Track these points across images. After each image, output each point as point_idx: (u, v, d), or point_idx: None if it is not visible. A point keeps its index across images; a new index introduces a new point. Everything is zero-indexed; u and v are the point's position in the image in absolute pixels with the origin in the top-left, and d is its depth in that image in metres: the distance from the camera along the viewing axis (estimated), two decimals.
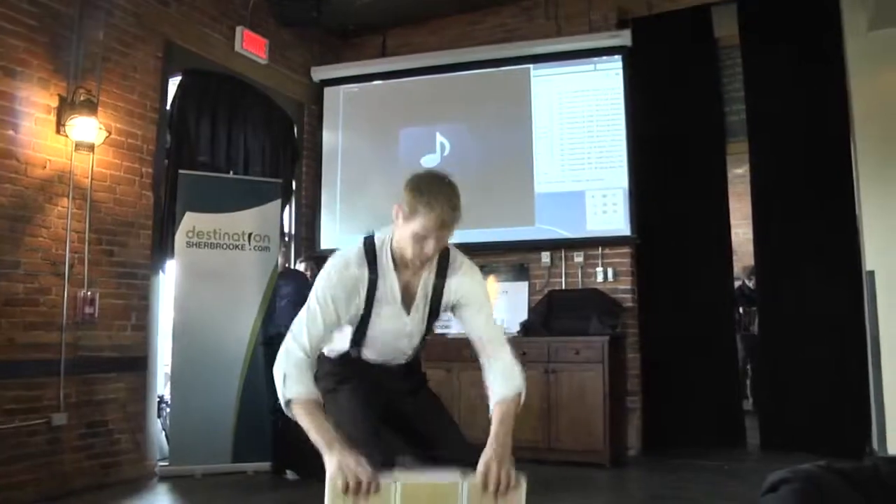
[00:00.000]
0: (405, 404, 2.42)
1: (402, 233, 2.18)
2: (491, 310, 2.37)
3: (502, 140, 6.39)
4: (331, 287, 2.20)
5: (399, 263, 2.26)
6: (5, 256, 4.31)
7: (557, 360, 5.51)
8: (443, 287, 2.31)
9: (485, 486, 1.94)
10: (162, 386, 5.54)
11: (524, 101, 6.39)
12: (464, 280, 2.32)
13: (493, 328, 2.34)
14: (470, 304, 2.32)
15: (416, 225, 2.12)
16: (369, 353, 2.38)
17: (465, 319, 2.34)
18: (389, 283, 2.26)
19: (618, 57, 6.11)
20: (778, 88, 5.68)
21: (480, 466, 1.96)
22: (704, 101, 6.06)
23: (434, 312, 2.35)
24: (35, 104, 4.51)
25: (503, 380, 2.20)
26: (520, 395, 2.20)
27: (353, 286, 2.22)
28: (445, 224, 2.12)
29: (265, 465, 5.20)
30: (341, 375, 2.36)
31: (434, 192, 2.12)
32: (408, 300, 2.31)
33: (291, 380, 2.10)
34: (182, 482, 4.97)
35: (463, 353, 5.51)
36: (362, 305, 2.25)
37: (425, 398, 2.48)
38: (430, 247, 2.15)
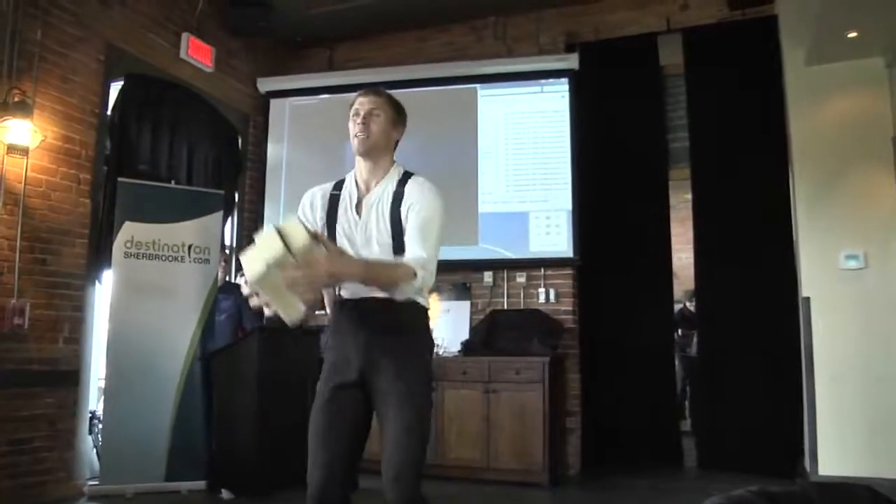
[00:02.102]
0: (380, 379, 2.31)
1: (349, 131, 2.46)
2: (428, 223, 2.34)
3: (447, 158, 6.38)
4: (298, 209, 2.51)
5: (357, 178, 2.49)
6: None
7: (498, 379, 5.52)
8: (401, 197, 2.40)
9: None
10: (95, 401, 5.34)
11: (470, 121, 6.42)
12: (416, 187, 2.42)
13: (419, 230, 2.33)
14: (412, 208, 2.36)
15: (351, 108, 2.46)
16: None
17: (406, 225, 2.38)
18: (348, 192, 2.47)
19: (565, 80, 6.19)
20: (720, 117, 5.86)
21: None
22: (649, 127, 6.18)
23: (396, 221, 2.37)
24: None
25: (405, 261, 2.28)
26: (413, 276, 2.22)
27: (311, 198, 2.50)
28: (368, 93, 2.45)
29: (200, 484, 5.05)
30: (327, 348, 2.44)
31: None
32: (360, 206, 2.44)
33: None
34: (112, 502, 4.78)
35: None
36: (325, 212, 2.46)
37: (402, 381, 2.31)
38: (359, 119, 2.40)
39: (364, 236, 2.39)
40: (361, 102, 2.43)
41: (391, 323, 2.34)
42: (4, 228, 4.50)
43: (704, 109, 5.93)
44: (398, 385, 2.30)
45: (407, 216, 2.36)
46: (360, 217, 2.42)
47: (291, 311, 2.13)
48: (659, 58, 6.13)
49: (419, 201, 2.36)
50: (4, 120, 4.44)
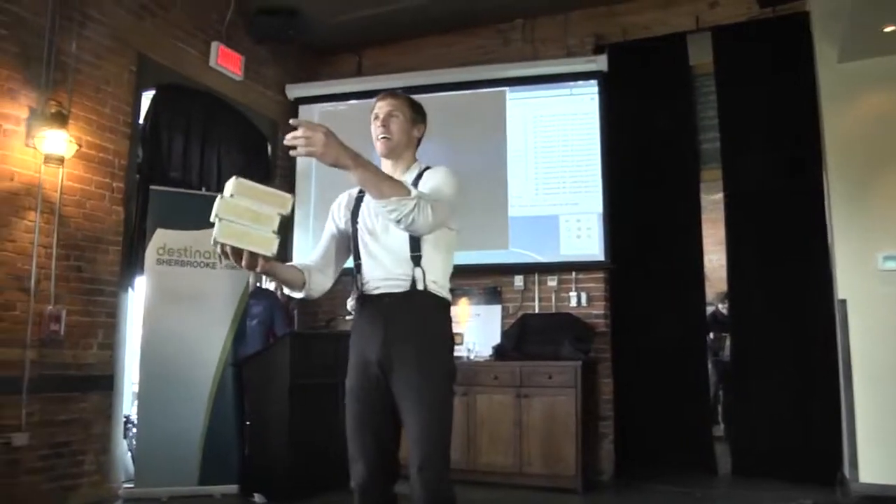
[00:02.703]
0: (399, 374, 2.37)
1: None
2: (438, 185, 2.41)
3: (476, 162, 6.38)
4: (331, 213, 2.67)
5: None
6: None
7: (530, 384, 5.48)
8: (417, 184, 2.45)
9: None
10: (129, 406, 5.41)
11: (499, 124, 6.40)
12: (431, 171, 2.50)
13: (431, 188, 2.40)
14: (426, 184, 2.43)
15: (372, 112, 2.57)
16: (368, 273, 2.47)
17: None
18: None
19: (593, 82, 6.16)
20: (751, 116, 5.76)
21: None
22: (679, 128, 6.11)
23: None
24: (4, 115, 4.40)
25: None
26: (406, 191, 2.26)
27: (341, 199, 2.65)
28: (386, 97, 2.56)
29: (233, 488, 5.09)
30: (351, 344, 2.51)
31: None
32: None
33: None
34: None
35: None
36: (351, 210, 2.57)
37: (421, 376, 2.35)
38: (379, 122, 2.52)
39: (383, 224, 2.46)
40: (380, 106, 2.55)
41: (410, 317, 2.40)
42: (42, 236, 4.58)
43: (735, 109, 5.84)
44: (417, 380, 2.35)
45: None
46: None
47: (264, 243, 2.19)
48: (688, 57, 6.05)
49: (432, 178, 2.45)
50: (41, 130, 4.52)
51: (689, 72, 6.14)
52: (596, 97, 6.14)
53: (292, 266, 2.50)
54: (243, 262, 2.20)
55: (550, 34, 6.46)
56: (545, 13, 6.43)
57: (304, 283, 2.49)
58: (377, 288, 2.45)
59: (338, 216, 2.63)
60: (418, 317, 2.40)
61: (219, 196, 2.17)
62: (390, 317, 2.40)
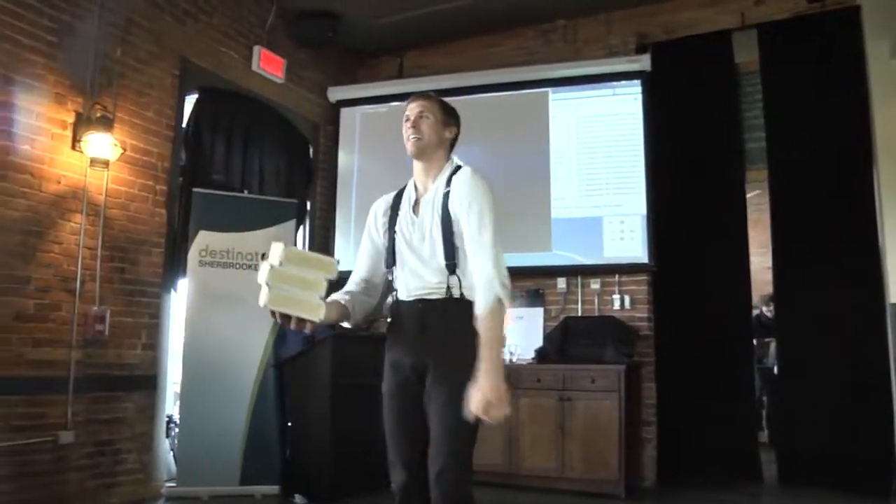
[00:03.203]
0: (428, 378, 2.39)
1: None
2: (480, 212, 2.38)
3: (519, 164, 6.34)
4: (367, 225, 2.68)
5: (415, 179, 2.60)
6: (17, 271, 4.28)
7: (572, 387, 5.42)
8: (448, 193, 2.47)
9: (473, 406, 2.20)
10: (171, 405, 5.47)
11: (542, 125, 6.35)
12: (459, 181, 2.46)
13: (478, 234, 2.37)
14: (460, 207, 2.41)
15: (404, 115, 2.57)
16: (403, 280, 2.49)
17: (462, 229, 2.42)
18: (408, 194, 2.59)
19: (637, 81, 6.07)
20: (798, 115, 5.61)
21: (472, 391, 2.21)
22: (724, 127, 5.98)
23: (446, 219, 2.43)
24: (51, 119, 4.49)
25: (478, 297, 2.32)
26: (498, 303, 2.28)
27: (376, 210, 2.65)
28: (416, 99, 2.57)
29: (274, 489, 5.12)
30: (386, 347, 2.55)
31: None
32: (418, 205, 2.54)
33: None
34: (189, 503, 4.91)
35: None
36: (387, 219, 2.59)
37: (449, 381, 2.34)
38: (410, 123, 2.53)
39: (420, 233, 2.49)
40: (411, 108, 2.57)
41: (444, 323, 2.41)
42: (87, 239, 4.66)
43: (782, 107, 5.69)
44: (444, 386, 2.35)
45: (456, 213, 2.42)
46: (417, 216, 2.51)
47: (313, 310, 2.24)
48: (733, 55, 5.91)
49: (464, 198, 2.42)
50: (87, 134, 4.60)
51: (734, 70, 6.00)
52: (639, 97, 6.05)
53: (335, 303, 2.50)
54: (291, 325, 2.27)
55: (593, 34, 6.39)
56: (587, 13, 6.36)
57: (350, 316, 2.53)
58: (412, 294, 2.47)
59: (375, 228, 2.64)
60: (452, 323, 2.39)
61: (268, 263, 2.22)
62: (425, 323, 2.42)
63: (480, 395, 2.19)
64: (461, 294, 2.41)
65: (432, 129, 2.53)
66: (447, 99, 2.65)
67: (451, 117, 2.61)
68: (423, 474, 2.38)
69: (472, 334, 2.39)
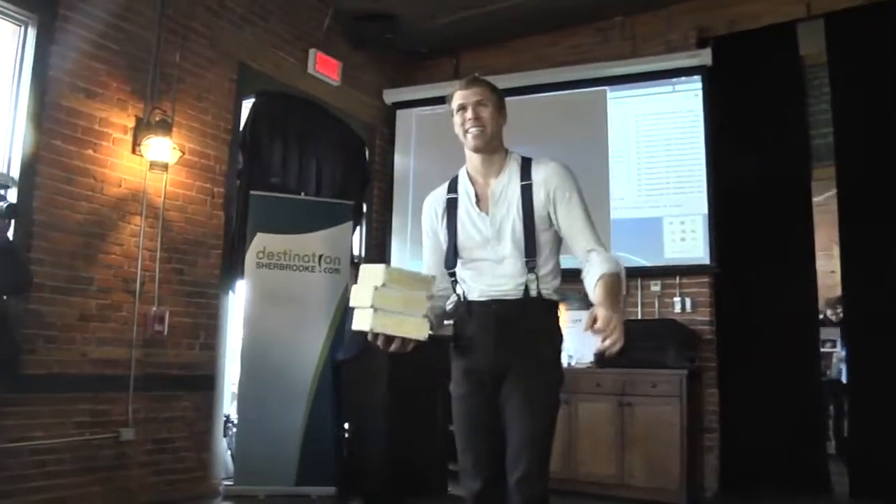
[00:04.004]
0: (507, 382, 2.30)
1: (455, 126, 2.42)
2: (581, 208, 2.32)
3: (577, 164, 5.99)
4: (422, 220, 2.55)
5: (472, 173, 2.45)
6: (80, 273, 4.41)
7: (633, 392, 5.31)
8: (530, 186, 2.34)
9: (590, 326, 2.04)
10: (229, 405, 5.55)
11: (600, 124, 6.24)
12: (545, 172, 2.35)
13: (583, 223, 2.31)
14: (558, 199, 2.31)
15: (454, 103, 2.39)
16: (473, 280, 2.38)
17: (559, 220, 2.33)
18: (464, 190, 2.43)
19: (697, 77, 5.91)
20: (868, 109, 5.37)
21: (593, 312, 2.07)
22: (789, 124, 5.77)
23: (528, 213, 2.32)
24: (113, 125, 4.62)
25: (602, 262, 2.25)
26: (623, 271, 2.25)
27: (432, 208, 2.50)
28: (470, 85, 2.37)
29: (330, 490, 5.12)
30: (457, 350, 2.42)
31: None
32: (484, 201, 2.39)
33: None
34: (245, 502, 4.96)
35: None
36: (446, 217, 2.45)
37: (528, 386, 2.28)
38: (469, 113, 2.33)
39: (494, 231, 2.36)
40: (465, 95, 2.36)
41: (523, 325, 2.29)
42: (146, 240, 4.77)
43: (850, 101, 5.45)
44: (525, 389, 2.26)
45: (546, 206, 2.32)
46: (485, 213, 2.37)
47: (417, 328, 2.18)
48: (798, 47, 5.71)
49: (564, 189, 2.33)
50: (147, 138, 4.71)
51: (800, 63, 5.80)
52: (700, 93, 5.88)
53: (435, 311, 2.41)
54: (393, 347, 2.18)
55: (651, 30, 6.24)
56: (645, 9, 6.22)
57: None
58: (486, 295, 2.35)
59: (434, 225, 2.50)
60: (533, 323, 2.30)
61: (368, 286, 2.16)
62: (503, 325, 2.30)
63: (607, 313, 2.04)
64: (538, 292, 2.30)
65: (492, 118, 2.36)
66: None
67: (503, 101, 2.43)
68: (499, 482, 2.29)
69: (552, 334, 2.36)
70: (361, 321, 2.16)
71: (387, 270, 2.15)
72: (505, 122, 2.44)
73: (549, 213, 2.33)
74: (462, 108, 2.37)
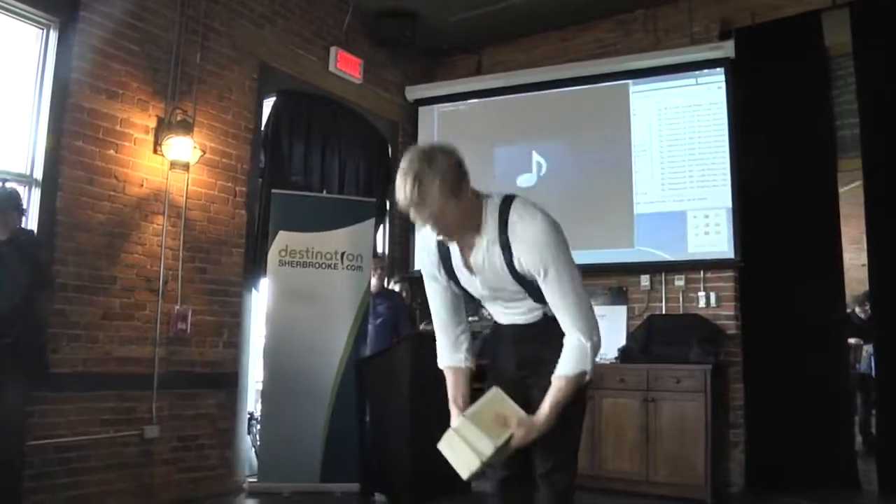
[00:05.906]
0: (530, 387, 2.34)
1: None
2: (558, 281, 2.18)
3: (600, 158, 6.21)
4: (420, 263, 2.47)
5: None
6: (103, 272, 4.46)
7: (657, 388, 5.27)
8: (510, 249, 2.21)
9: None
10: (252, 403, 5.59)
11: (623, 118, 6.19)
12: (522, 250, 2.21)
13: (561, 301, 2.21)
14: (536, 277, 2.22)
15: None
16: (492, 310, 2.48)
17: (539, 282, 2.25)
18: (453, 249, 2.32)
19: (720, 70, 5.84)
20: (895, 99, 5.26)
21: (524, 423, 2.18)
22: (814, 115, 5.66)
23: (517, 274, 2.25)
24: (134, 125, 4.67)
25: (568, 359, 2.21)
26: (582, 374, 2.21)
27: (425, 252, 2.39)
28: (412, 207, 2.08)
29: (353, 487, 5.13)
30: (487, 357, 2.53)
31: (398, 182, 2.11)
32: (469, 264, 2.30)
33: (439, 348, 2.45)
34: (270, 499, 5.00)
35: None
36: (442, 266, 2.37)
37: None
38: (429, 229, 2.20)
39: (489, 291, 2.35)
40: (415, 217, 2.13)
41: (541, 337, 2.33)
42: (168, 239, 4.82)
43: (877, 92, 5.32)
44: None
45: (526, 268, 2.22)
46: (473, 275, 2.32)
47: (468, 466, 2.19)
48: (823, 38, 5.59)
49: (535, 262, 2.19)
50: (169, 138, 4.75)
51: (825, 53, 5.68)
52: (723, 86, 5.81)
53: (466, 370, 2.44)
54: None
55: (673, 22, 6.17)
56: (667, 1, 6.17)
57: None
58: (507, 321, 2.44)
59: (437, 276, 2.40)
60: (549, 339, 2.28)
61: (492, 447, 2.17)
62: (520, 341, 2.40)
63: (525, 433, 2.17)
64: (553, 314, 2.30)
65: (451, 215, 2.12)
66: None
67: (452, 174, 2.12)
68: (525, 474, 2.36)
69: None
70: (467, 466, 2.19)
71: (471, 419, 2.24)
72: (467, 185, 2.18)
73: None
74: (423, 225, 2.23)
